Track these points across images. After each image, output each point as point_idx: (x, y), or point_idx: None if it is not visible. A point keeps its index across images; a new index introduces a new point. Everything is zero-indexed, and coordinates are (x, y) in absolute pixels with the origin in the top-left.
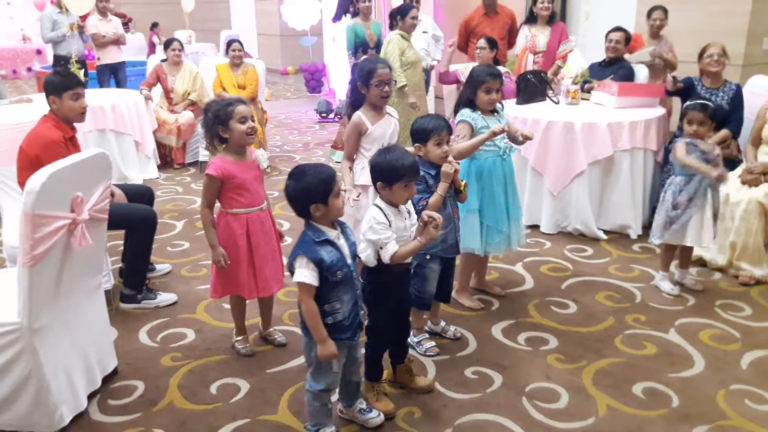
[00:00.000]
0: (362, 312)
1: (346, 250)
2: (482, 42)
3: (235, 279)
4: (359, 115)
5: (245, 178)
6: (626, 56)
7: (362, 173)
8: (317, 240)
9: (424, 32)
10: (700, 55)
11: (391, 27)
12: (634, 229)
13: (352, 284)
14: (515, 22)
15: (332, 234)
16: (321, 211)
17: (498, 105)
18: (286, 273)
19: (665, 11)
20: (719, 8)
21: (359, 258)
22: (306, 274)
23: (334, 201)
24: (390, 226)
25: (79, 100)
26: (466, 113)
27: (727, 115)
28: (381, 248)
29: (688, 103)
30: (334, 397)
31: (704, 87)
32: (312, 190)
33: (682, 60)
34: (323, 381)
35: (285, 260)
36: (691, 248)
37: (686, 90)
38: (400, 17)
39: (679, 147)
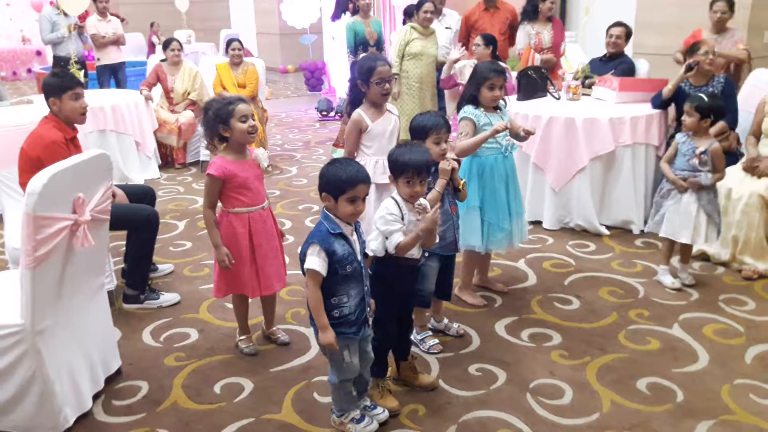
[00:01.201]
0: (369, 309)
1: (357, 247)
2: (478, 39)
3: (238, 278)
4: (359, 112)
5: (246, 177)
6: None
7: None
8: (333, 232)
9: (447, 28)
10: (692, 53)
11: (403, 23)
12: (636, 225)
13: (360, 280)
14: (516, 17)
15: (347, 229)
16: (330, 203)
17: (501, 102)
18: (289, 272)
19: (730, 2)
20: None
21: (368, 255)
22: (317, 261)
23: (343, 203)
24: (402, 219)
25: (79, 100)
26: (468, 110)
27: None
28: (387, 238)
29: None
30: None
31: (691, 86)
32: (327, 179)
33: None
34: (338, 373)
35: (287, 259)
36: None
37: (676, 94)
38: (416, 10)
39: (668, 153)
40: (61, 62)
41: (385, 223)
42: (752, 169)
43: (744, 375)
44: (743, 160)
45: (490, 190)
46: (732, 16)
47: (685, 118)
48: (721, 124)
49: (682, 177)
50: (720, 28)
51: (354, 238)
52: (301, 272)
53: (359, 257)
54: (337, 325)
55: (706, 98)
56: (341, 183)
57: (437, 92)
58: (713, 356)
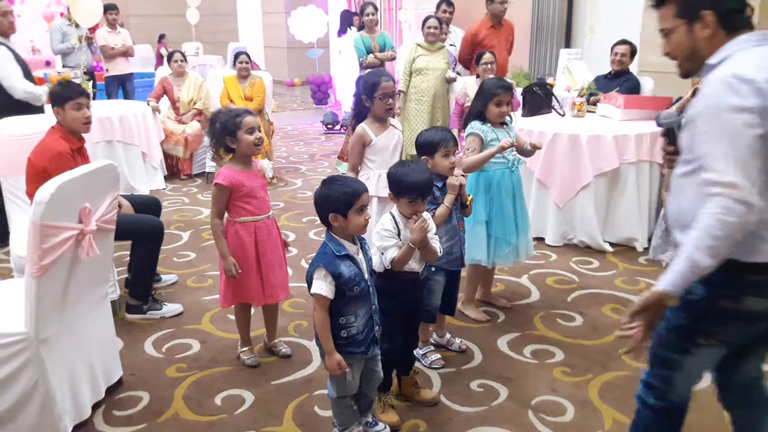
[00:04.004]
0: (377, 327)
1: (364, 266)
2: (489, 57)
3: (245, 287)
4: (363, 127)
5: (252, 186)
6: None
7: (367, 184)
8: (338, 254)
9: (451, 45)
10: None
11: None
12: (640, 242)
13: (368, 299)
14: (514, 34)
15: (352, 249)
16: (339, 222)
17: (507, 117)
18: (292, 284)
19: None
20: None
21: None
22: (323, 286)
23: (354, 216)
24: (399, 234)
25: (81, 110)
26: (476, 126)
27: None
28: (383, 253)
29: None
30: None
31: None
32: (333, 199)
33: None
34: (337, 389)
35: (290, 271)
36: None
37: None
38: (422, 27)
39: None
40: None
41: (380, 239)
42: None
43: None
44: None
45: (497, 205)
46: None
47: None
48: None
49: None
50: None
51: (360, 257)
52: (303, 284)
53: (366, 276)
54: (345, 345)
55: None
56: (348, 197)
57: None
58: None
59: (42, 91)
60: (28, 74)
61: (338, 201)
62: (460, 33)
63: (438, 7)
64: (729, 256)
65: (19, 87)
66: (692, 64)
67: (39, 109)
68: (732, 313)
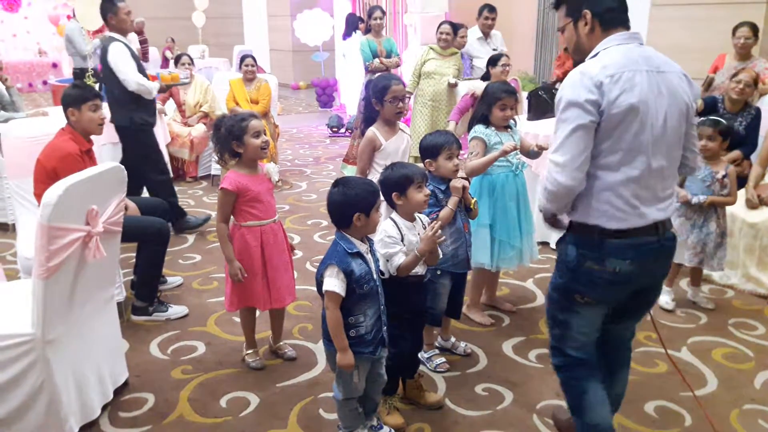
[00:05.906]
0: (385, 328)
1: (373, 265)
2: (506, 59)
3: (251, 291)
4: (373, 130)
5: (259, 190)
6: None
7: None
8: (350, 251)
9: (494, 50)
10: (730, 77)
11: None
12: None
13: (376, 299)
14: None
15: (363, 248)
16: (362, 221)
17: (511, 121)
18: (297, 287)
19: (753, 28)
20: (732, 26)
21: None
22: (336, 283)
23: (375, 215)
24: (402, 240)
25: (97, 111)
26: (479, 129)
27: (742, 139)
28: (388, 260)
29: (701, 119)
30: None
31: (725, 110)
32: (361, 199)
33: (695, 77)
34: (343, 390)
35: (296, 273)
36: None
37: (709, 110)
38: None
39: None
40: (80, 73)
41: (384, 246)
42: (755, 205)
43: (753, 400)
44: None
45: (501, 208)
46: (756, 42)
47: (706, 143)
48: (736, 153)
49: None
50: (744, 54)
51: (369, 256)
52: (308, 287)
53: (375, 276)
54: (353, 345)
55: (722, 120)
56: (375, 196)
57: None
58: (722, 380)
59: (153, 86)
60: (141, 72)
61: (366, 201)
62: (498, 35)
63: (480, 13)
64: (595, 224)
65: (133, 79)
66: (579, 56)
67: (150, 103)
68: (598, 274)
